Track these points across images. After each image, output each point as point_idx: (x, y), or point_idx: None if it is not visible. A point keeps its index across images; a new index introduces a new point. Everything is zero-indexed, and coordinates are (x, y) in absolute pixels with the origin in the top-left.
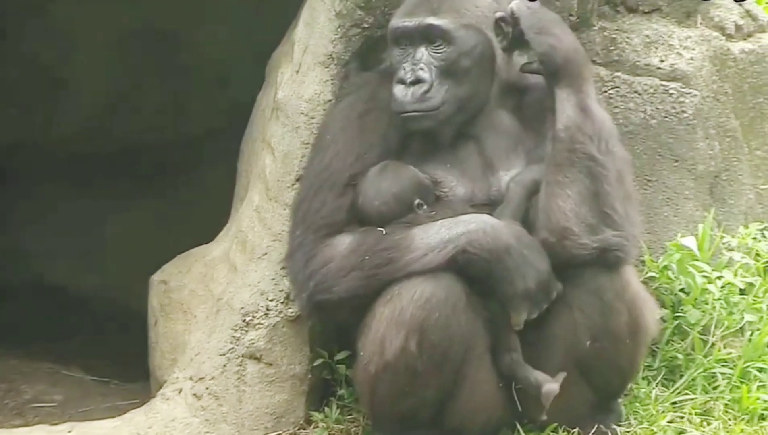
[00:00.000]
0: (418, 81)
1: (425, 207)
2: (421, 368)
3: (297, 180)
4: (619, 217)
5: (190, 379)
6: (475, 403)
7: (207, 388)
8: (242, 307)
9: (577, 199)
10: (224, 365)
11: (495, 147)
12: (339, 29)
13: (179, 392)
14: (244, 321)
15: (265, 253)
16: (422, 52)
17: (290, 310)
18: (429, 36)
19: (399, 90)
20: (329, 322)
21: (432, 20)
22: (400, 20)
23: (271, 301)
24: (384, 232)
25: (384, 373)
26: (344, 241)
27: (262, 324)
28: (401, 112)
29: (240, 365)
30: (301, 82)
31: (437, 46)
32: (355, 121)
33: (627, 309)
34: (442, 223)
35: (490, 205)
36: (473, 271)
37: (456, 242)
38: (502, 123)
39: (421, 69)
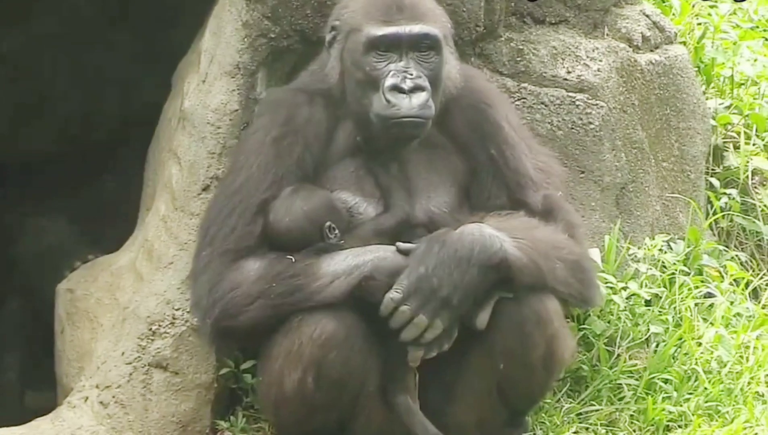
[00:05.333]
0: (418, 89)
1: (336, 231)
2: (318, 401)
3: (203, 189)
4: None
5: (97, 387)
6: (372, 431)
7: (113, 397)
8: (148, 316)
9: None
10: (130, 374)
11: (420, 169)
12: (245, 39)
13: (85, 400)
14: (150, 330)
15: (171, 262)
16: (409, 60)
17: (196, 319)
18: (420, 44)
19: (397, 98)
20: (233, 347)
21: (424, 28)
22: (381, 27)
23: (177, 310)
24: (293, 260)
25: (283, 403)
26: (252, 267)
27: (168, 333)
28: (401, 117)
29: (146, 374)
30: (207, 92)
31: (426, 54)
32: (269, 146)
33: (545, 343)
34: (350, 251)
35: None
36: (377, 299)
37: (362, 269)
38: (434, 143)
39: (419, 77)
